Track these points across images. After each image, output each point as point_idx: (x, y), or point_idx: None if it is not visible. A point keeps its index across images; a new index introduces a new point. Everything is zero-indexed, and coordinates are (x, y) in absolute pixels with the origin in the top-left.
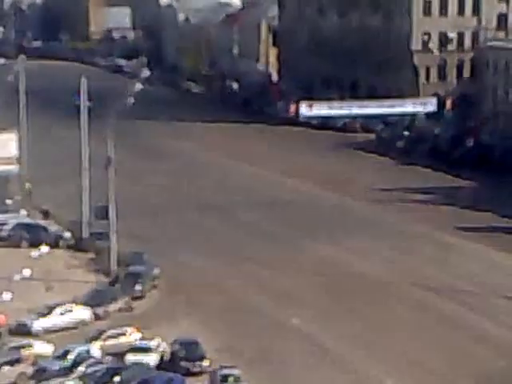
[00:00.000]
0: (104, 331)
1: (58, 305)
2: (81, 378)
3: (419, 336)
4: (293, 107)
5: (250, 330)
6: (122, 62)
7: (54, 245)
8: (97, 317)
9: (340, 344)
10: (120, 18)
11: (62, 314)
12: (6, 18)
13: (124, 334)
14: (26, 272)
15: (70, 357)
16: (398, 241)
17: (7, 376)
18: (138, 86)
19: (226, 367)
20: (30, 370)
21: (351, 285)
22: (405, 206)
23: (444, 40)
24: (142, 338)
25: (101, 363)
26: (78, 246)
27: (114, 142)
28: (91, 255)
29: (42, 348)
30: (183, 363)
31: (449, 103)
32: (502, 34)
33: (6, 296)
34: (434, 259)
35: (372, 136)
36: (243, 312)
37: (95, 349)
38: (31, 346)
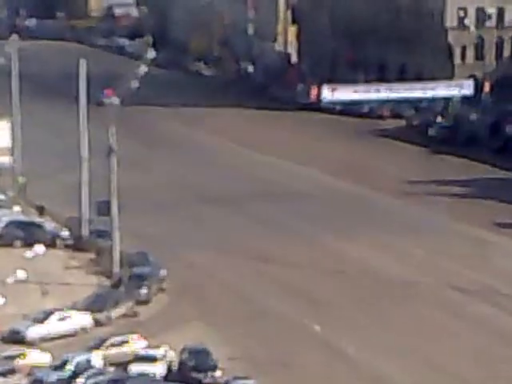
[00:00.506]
0: (106, 339)
1: (55, 310)
2: None
3: (451, 343)
4: (314, 91)
5: (266, 336)
6: (125, 41)
7: (51, 244)
8: (98, 323)
9: (364, 352)
10: None
11: (59, 320)
12: None
13: (128, 342)
14: (20, 274)
15: (69, 367)
16: (428, 238)
17: None
18: (143, 69)
19: (239, 378)
20: (25, 382)
21: (376, 286)
22: (437, 199)
23: (482, 16)
24: (148, 347)
25: (102, 374)
26: (76, 245)
27: (117, 130)
28: (91, 255)
29: (38, 357)
30: (193, 374)
31: (487, 86)
32: None
33: None
34: (468, 257)
35: (401, 122)
36: (258, 316)
37: (96, 358)
38: (26, 356)
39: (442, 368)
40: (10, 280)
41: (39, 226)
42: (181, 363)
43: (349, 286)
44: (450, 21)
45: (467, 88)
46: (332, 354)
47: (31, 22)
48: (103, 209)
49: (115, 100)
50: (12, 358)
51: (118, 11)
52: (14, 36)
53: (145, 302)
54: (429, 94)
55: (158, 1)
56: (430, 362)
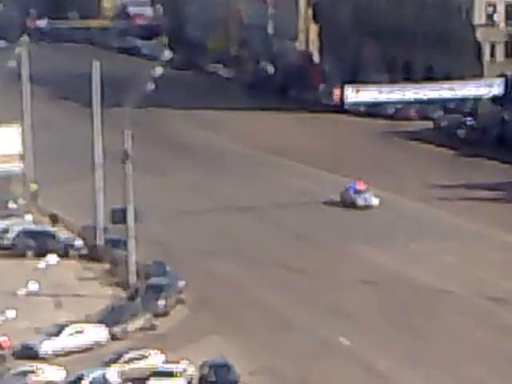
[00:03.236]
0: (123, 353)
1: (69, 323)
2: None
3: (484, 356)
4: (337, 92)
5: (290, 349)
6: (140, 42)
7: (64, 254)
8: (114, 337)
9: (394, 366)
10: None
11: (73, 334)
12: None
13: (145, 357)
14: (33, 286)
15: (84, 383)
16: (458, 244)
17: None
18: (158, 70)
19: None
20: None
21: (405, 295)
22: (467, 204)
23: (511, 12)
24: (167, 361)
25: None
26: (91, 255)
27: (132, 134)
28: (106, 266)
29: (52, 373)
30: None
31: None
32: None
33: (10, 314)
34: (500, 265)
35: (429, 124)
36: (281, 329)
37: (113, 374)
38: (39, 372)
39: (475, 382)
40: (21, 292)
41: (52, 236)
42: (201, 378)
43: (377, 296)
44: (479, 17)
45: (497, 87)
46: (359, 369)
47: (42, 23)
48: (118, 217)
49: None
50: (24, 374)
51: (132, 10)
52: (25, 38)
53: (163, 315)
54: (457, 94)
55: None
56: (463, 376)
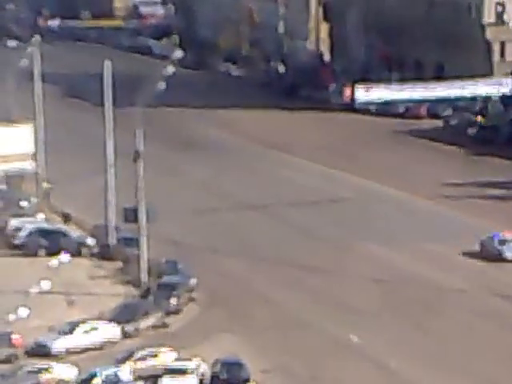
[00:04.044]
0: (135, 351)
1: (81, 322)
2: None
3: (496, 355)
4: (347, 91)
5: (301, 347)
6: (151, 42)
7: (77, 253)
8: (126, 335)
9: (405, 364)
10: None
11: (86, 332)
12: None
13: (158, 355)
14: (45, 284)
15: (96, 381)
16: (469, 243)
17: None
18: (170, 69)
19: None
20: None
21: (416, 293)
22: (477, 202)
23: None
24: (179, 359)
25: None
26: (103, 253)
27: (143, 133)
28: (119, 264)
29: (64, 371)
30: None
31: None
32: None
33: (22, 312)
34: None
35: (439, 123)
36: (293, 327)
37: (125, 372)
38: (51, 370)
39: (487, 380)
40: (33, 290)
41: (64, 234)
42: (213, 376)
43: (388, 295)
44: (488, 16)
45: (507, 86)
46: (370, 366)
47: (54, 23)
48: (130, 215)
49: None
50: (37, 372)
51: (144, 10)
52: (37, 38)
53: (175, 313)
54: (467, 92)
55: None
56: (475, 373)
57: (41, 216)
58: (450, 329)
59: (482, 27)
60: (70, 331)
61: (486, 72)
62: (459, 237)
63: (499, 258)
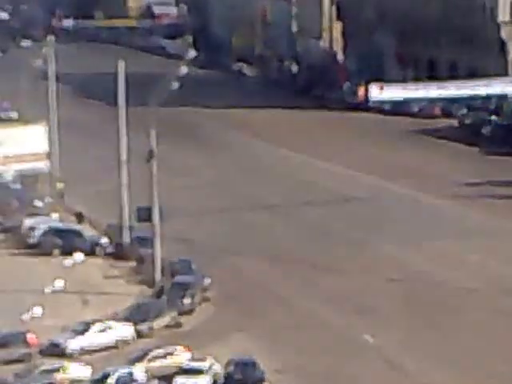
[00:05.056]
0: (149, 351)
1: (95, 321)
2: None
3: (510, 354)
4: (361, 90)
5: (315, 347)
6: (165, 41)
7: (90, 252)
8: (140, 334)
9: (420, 364)
10: None
11: (100, 331)
12: None
13: (171, 354)
14: (59, 284)
15: (110, 381)
16: (484, 242)
17: None
18: (183, 69)
19: None
20: None
21: (431, 293)
22: (493, 202)
23: None
24: (192, 359)
25: None
26: (117, 253)
27: (157, 132)
28: (132, 264)
29: (78, 371)
30: None
31: None
32: None
33: (37, 311)
34: None
35: (453, 122)
36: (307, 327)
37: (139, 371)
38: (66, 369)
39: (502, 380)
40: (48, 290)
41: (78, 234)
42: (227, 376)
43: (402, 294)
44: (503, 15)
45: None
46: (385, 366)
47: (68, 23)
48: (144, 215)
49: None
50: (51, 371)
51: (157, 10)
52: (51, 38)
53: (188, 312)
54: (482, 91)
55: None
56: (490, 372)
57: (55, 215)
58: (465, 328)
59: (497, 26)
60: (84, 331)
61: (501, 71)
62: (473, 236)
63: None
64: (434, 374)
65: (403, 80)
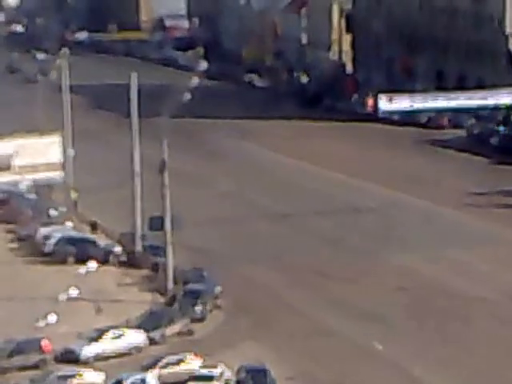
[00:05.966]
0: (161, 358)
1: (109, 328)
2: None
3: None
4: (370, 101)
5: (326, 355)
6: (177, 53)
7: (104, 260)
8: (152, 341)
9: (430, 372)
10: (173, 5)
11: (113, 338)
12: (45, 7)
13: (183, 361)
14: (73, 291)
15: None
16: (494, 252)
17: None
18: (195, 81)
19: None
20: None
21: (441, 302)
22: (500, 211)
23: None
24: (204, 366)
25: None
26: (130, 261)
27: (169, 143)
28: (145, 272)
29: (92, 377)
30: None
31: None
32: None
33: (51, 319)
34: None
35: (462, 132)
36: (317, 335)
37: (151, 378)
38: (80, 376)
39: None
40: (62, 297)
41: (92, 242)
42: (238, 383)
43: (412, 303)
44: (510, 26)
45: None
46: (394, 374)
47: (82, 36)
48: (156, 224)
49: None
50: (66, 378)
51: (169, 23)
52: (65, 50)
53: (200, 320)
54: (489, 102)
55: (210, 12)
56: (499, 381)
57: (69, 224)
58: (475, 337)
59: (505, 38)
60: (98, 337)
61: (509, 82)
62: (482, 245)
63: None
64: (443, 381)
65: (412, 91)
